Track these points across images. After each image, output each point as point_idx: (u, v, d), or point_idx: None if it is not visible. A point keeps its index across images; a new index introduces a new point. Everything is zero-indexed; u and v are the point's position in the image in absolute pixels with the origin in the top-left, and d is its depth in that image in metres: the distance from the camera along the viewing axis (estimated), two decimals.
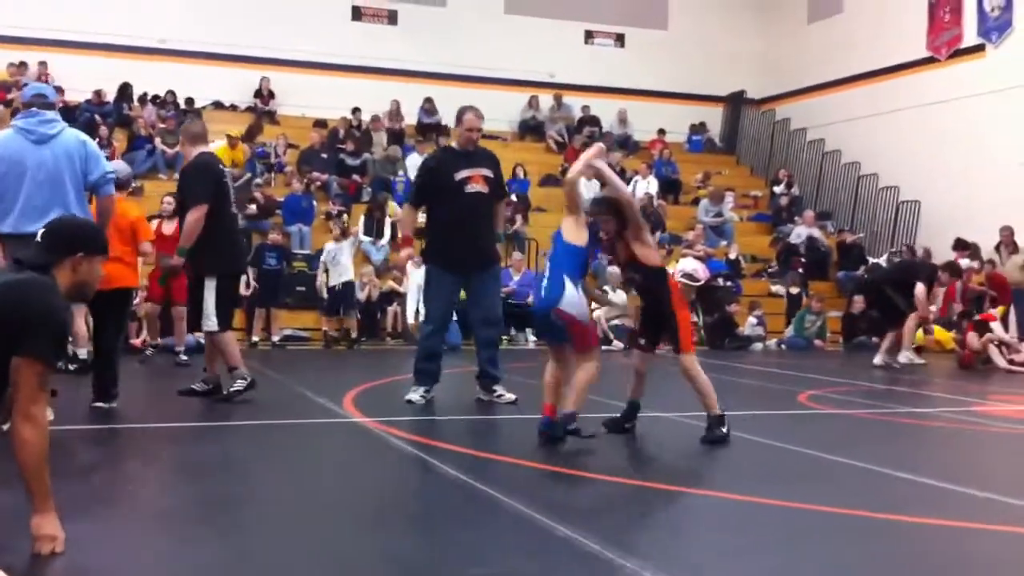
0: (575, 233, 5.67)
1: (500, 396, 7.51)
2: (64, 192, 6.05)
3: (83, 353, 9.10)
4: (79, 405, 6.95)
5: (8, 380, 3.24)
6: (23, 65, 18.52)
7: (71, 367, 8.59)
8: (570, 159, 20.06)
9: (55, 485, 3.36)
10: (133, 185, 10.97)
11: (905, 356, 11.22)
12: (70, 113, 17.32)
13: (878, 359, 11.95)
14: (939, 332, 14.58)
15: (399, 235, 8.49)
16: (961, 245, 16.33)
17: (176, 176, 12.40)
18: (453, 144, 7.82)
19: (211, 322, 7.35)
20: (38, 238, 3.51)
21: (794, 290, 16.85)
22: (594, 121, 21.74)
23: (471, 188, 7.46)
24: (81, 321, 9.21)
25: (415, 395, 7.48)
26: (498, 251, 7.92)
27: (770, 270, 18.20)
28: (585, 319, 5.61)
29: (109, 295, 7.33)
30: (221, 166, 7.70)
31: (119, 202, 7.86)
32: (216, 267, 7.40)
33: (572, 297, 5.52)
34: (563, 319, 5.51)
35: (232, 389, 7.32)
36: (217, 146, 16.50)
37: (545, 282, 5.68)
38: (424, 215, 8.07)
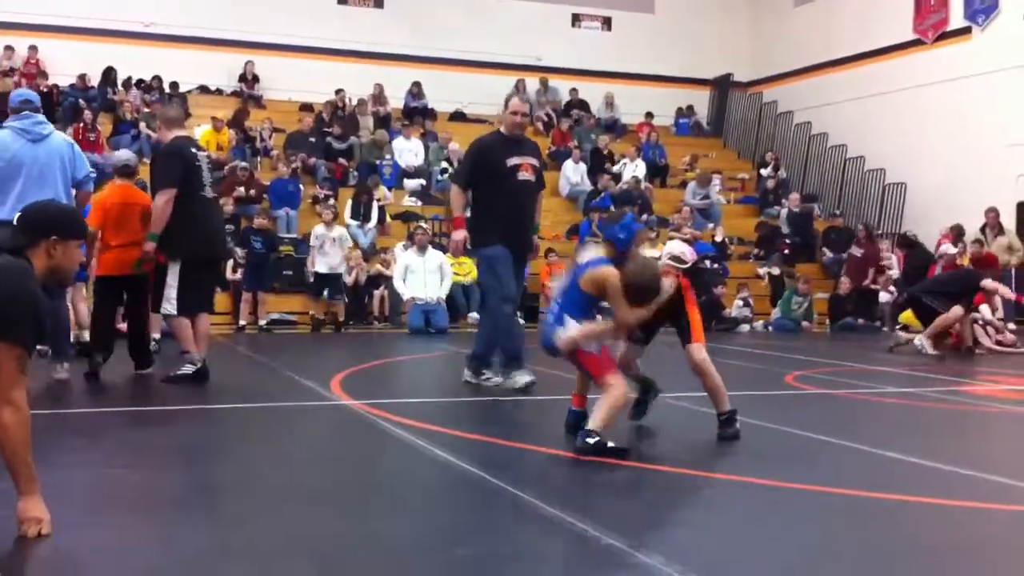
0: (595, 286, 5.12)
1: (488, 379, 7.50)
2: (55, 186, 6.81)
3: (82, 336, 9.07)
4: (67, 388, 6.93)
5: None
6: (9, 49, 18.39)
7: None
8: (557, 142, 20.05)
9: (42, 469, 3.35)
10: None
11: (919, 341, 11.14)
12: (54, 98, 17.23)
13: (912, 339, 11.60)
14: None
15: (451, 217, 8.23)
16: (905, 243, 16.20)
17: None
18: (501, 129, 7.73)
19: (169, 305, 7.34)
20: (14, 222, 3.47)
21: (775, 271, 16.89)
22: (581, 105, 21.71)
23: (522, 176, 7.41)
24: (81, 305, 9.22)
25: (527, 376, 7.20)
26: (535, 243, 7.79)
27: (758, 252, 18.22)
28: (588, 348, 5.09)
29: (134, 277, 7.50)
30: (194, 149, 7.62)
31: (130, 189, 7.87)
32: (179, 252, 7.35)
33: (569, 330, 5.07)
34: (564, 354, 5.12)
35: (177, 372, 7.31)
36: (203, 131, 16.47)
37: (550, 317, 5.26)
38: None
